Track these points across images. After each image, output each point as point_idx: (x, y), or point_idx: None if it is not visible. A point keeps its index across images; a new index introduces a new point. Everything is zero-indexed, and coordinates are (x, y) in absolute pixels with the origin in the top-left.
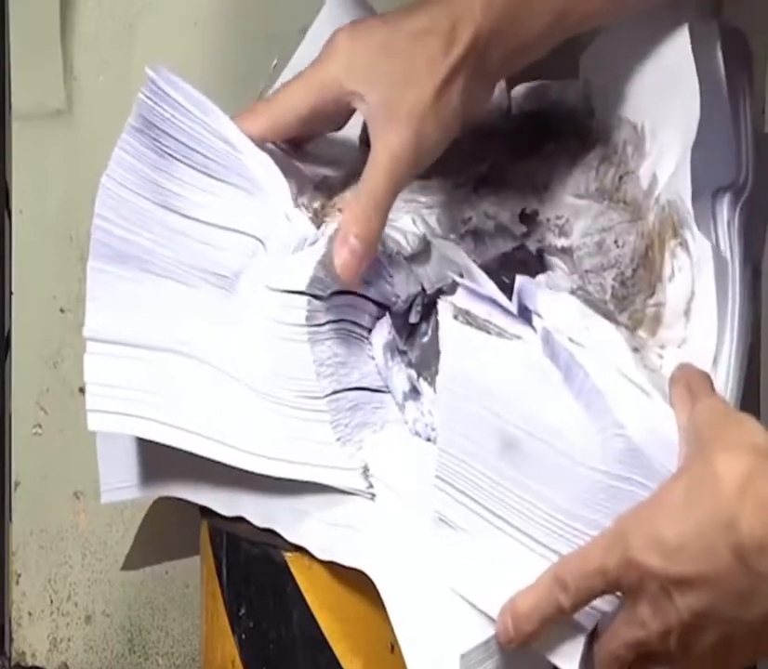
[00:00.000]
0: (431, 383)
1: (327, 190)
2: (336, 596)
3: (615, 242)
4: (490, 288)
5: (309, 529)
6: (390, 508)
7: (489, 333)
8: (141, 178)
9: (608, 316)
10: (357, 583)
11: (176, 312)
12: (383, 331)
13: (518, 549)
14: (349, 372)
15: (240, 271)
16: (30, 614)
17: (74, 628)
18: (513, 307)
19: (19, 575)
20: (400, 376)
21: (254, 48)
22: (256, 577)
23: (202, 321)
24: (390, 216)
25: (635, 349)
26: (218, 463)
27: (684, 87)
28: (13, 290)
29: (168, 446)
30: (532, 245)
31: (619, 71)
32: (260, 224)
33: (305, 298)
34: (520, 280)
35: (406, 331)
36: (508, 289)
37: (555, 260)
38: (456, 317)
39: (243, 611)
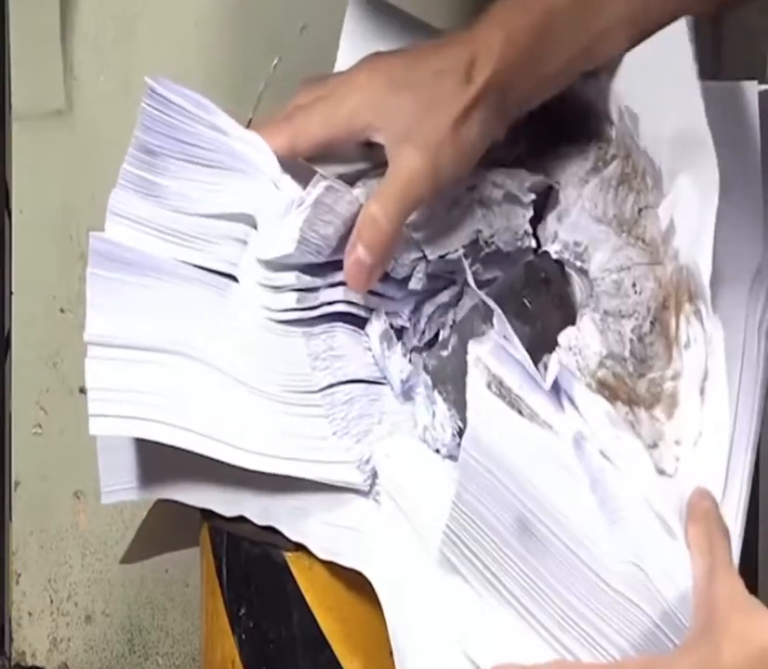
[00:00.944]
0: (446, 398)
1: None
2: (336, 596)
3: (634, 285)
4: (522, 355)
5: (310, 528)
6: (395, 517)
7: (521, 413)
8: (146, 187)
9: (633, 401)
10: (357, 583)
11: (175, 314)
12: (379, 321)
13: (521, 623)
14: (344, 364)
15: (235, 263)
16: (30, 614)
17: (74, 628)
18: (547, 385)
19: (19, 575)
20: (397, 365)
21: (254, 48)
22: (256, 577)
23: (200, 321)
24: None
25: (654, 445)
26: (219, 463)
27: (704, 154)
28: (13, 290)
29: (169, 447)
30: (551, 250)
31: (640, 101)
32: (252, 200)
33: (294, 274)
34: (557, 369)
35: (411, 302)
36: (529, 314)
37: (575, 278)
38: (489, 386)
39: (243, 611)
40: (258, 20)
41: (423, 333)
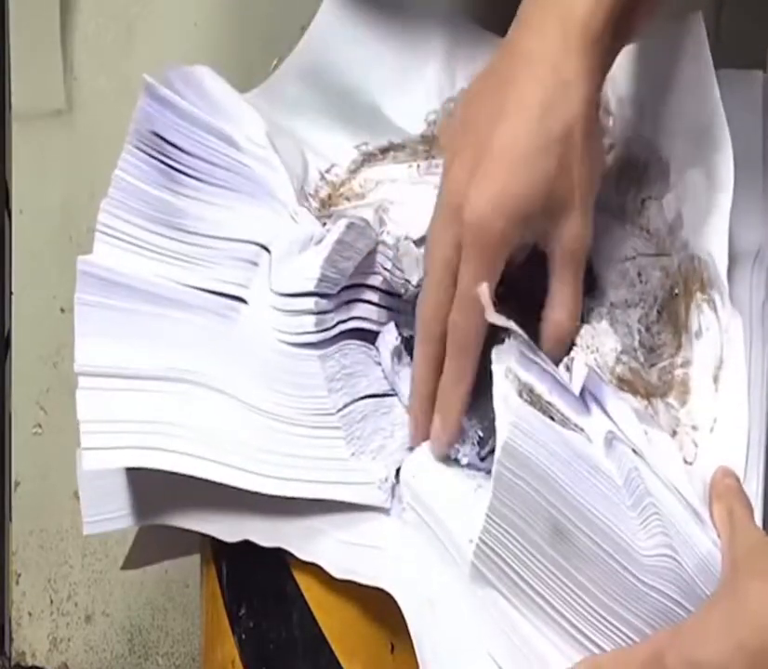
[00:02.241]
0: (469, 418)
1: (335, 178)
2: (336, 596)
3: (639, 275)
4: (547, 362)
5: (323, 547)
6: (422, 532)
7: (552, 418)
8: (143, 200)
9: (650, 393)
10: (357, 583)
11: (173, 339)
12: (391, 336)
13: (556, 630)
14: (357, 381)
15: (244, 285)
16: (30, 614)
17: (74, 628)
18: (575, 388)
19: (20, 575)
20: (407, 382)
21: (254, 48)
22: (256, 577)
23: (202, 345)
24: (400, 198)
25: (673, 433)
26: (218, 488)
27: (718, 146)
28: (13, 290)
29: (160, 474)
30: None
31: (646, 94)
32: (265, 228)
33: (312, 299)
34: (585, 372)
35: None
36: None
37: None
38: (520, 394)
39: (243, 611)
40: (258, 20)
41: None
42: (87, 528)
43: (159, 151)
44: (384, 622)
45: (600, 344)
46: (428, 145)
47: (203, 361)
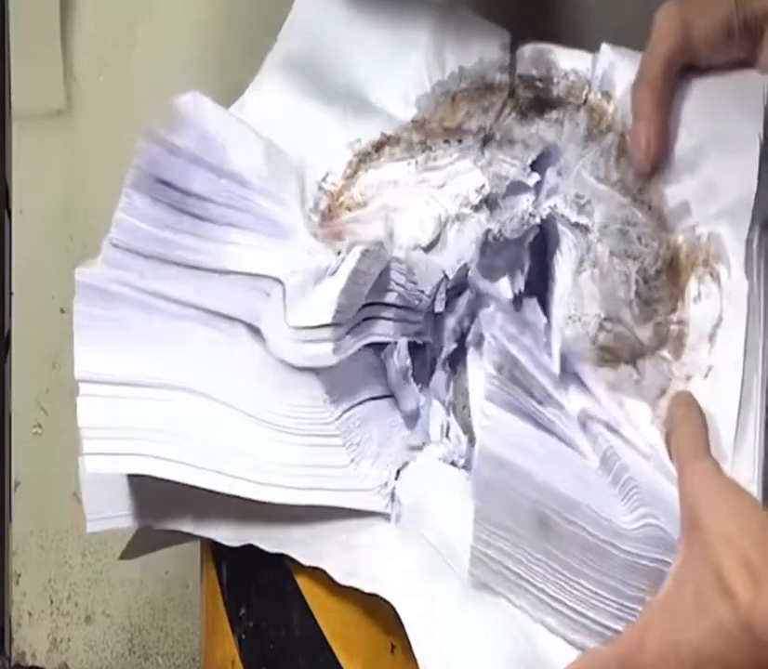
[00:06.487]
0: (458, 417)
1: (332, 187)
2: (336, 596)
3: (639, 238)
4: (529, 342)
5: (326, 551)
6: (415, 539)
7: (533, 395)
8: (145, 240)
9: (636, 355)
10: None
11: (171, 349)
12: (401, 355)
13: (564, 621)
14: (356, 388)
15: (256, 315)
16: (30, 614)
17: (74, 628)
18: (556, 367)
19: (19, 575)
20: (410, 399)
21: (254, 48)
22: (256, 577)
23: (200, 354)
24: (403, 202)
25: (663, 393)
26: (221, 494)
27: (743, 142)
28: (13, 290)
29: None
30: (543, 210)
31: None
32: (280, 264)
33: (329, 329)
34: (567, 344)
35: (433, 323)
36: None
37: (568, 233)
38: (500, 369)
39: (243, 611)
40: (259, 20)
41: (441, 348)
42: (91, 526)
43: (163, 194)
44: (384, 622)
45: (584, 310)
46: (421, 133)
47: (202, 371)
